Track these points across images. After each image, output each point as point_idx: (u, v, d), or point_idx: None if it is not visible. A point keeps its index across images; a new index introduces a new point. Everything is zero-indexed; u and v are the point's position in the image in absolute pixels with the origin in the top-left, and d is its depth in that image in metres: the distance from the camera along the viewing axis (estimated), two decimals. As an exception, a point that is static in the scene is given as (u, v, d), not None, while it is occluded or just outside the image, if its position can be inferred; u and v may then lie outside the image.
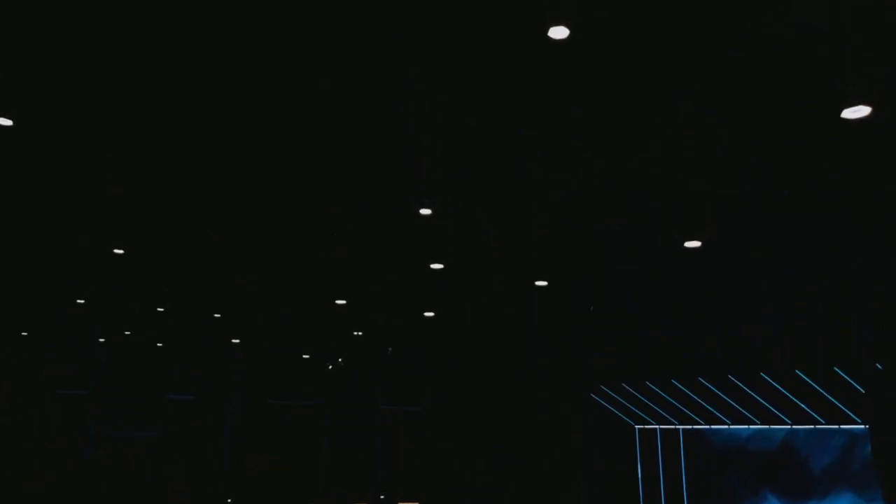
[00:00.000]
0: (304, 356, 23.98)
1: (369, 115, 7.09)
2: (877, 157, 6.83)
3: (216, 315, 18.24)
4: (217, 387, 22.31)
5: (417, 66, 5.40)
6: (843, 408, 15.73)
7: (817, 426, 16.75)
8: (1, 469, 19.13)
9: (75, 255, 12.70)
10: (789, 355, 15.05)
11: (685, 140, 6.40)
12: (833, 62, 5.37)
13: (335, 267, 12.98)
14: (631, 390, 19.22)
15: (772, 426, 17.64)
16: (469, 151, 7.35)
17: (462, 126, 6.87)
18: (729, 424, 18.48)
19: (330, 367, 24.88)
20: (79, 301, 16.64)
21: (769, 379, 16.16)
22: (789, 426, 17.30)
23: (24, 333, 19.96)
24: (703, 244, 10.61)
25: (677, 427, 19.66)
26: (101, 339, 21.50)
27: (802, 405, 16.35)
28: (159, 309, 17.63)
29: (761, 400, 16.90)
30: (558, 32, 4.63)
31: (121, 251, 12.21)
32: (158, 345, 22.32)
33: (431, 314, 17.12)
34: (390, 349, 22.57)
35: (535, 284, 13.73)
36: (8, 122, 6.95)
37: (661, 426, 19.99)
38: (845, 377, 14.88)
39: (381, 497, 21.75)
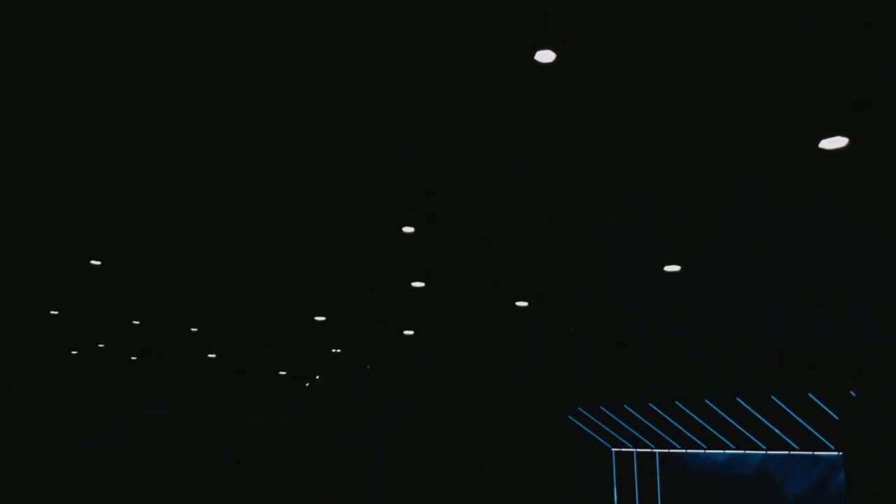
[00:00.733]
0: (281, 372, 23.76)
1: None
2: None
3: (192, 329, 18.03)
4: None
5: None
6: (817, 434, 15.85)
7: (791, 452, 16.85)
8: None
9: (52, 266, 12.52)
10: (765, 381, 15.18)
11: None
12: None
13: (316, 283, 12.90)
14: (609, 413, 19.24)
15: (747, 451, 17.72)
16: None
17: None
18: (705, 449, 18.54)
19: (307, 384, 24.66)
20: (52, 312, 16.37)
21: (745, 404, 16.26)
22: (764, 452, 17.39)
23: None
24: (682, 268, 10.71)
25: (653, 451, 19.69)
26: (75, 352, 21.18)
27: (777, 431, 16.46)
28: (135, 322, 17.40)
29: (737, 425, 17.00)
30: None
31: (98, 262, 12.05)
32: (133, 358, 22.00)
33: (411, 332, 17.06)
34: (369, 366, 22.43)
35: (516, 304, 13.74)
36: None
37: (638, 449, 20.01)
38: (820, 404, 15.01)
39: None
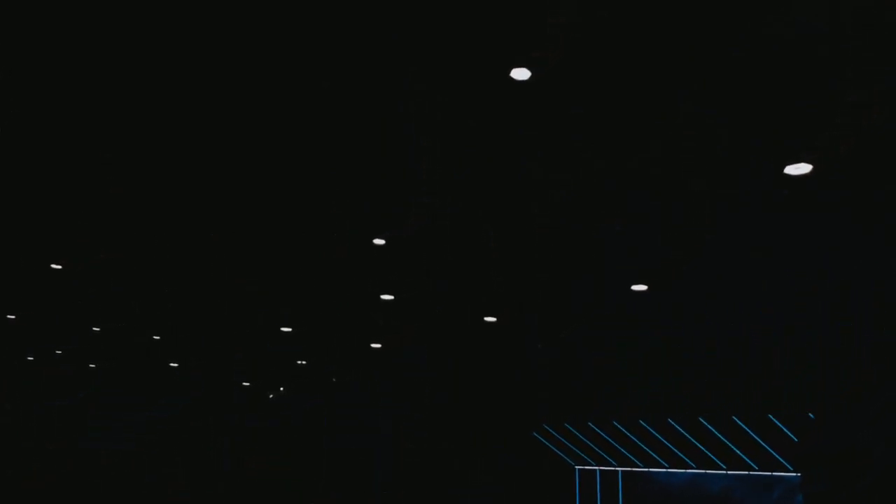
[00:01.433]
0: (245, 383, 23.42)
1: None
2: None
3: (155, 337, 17.73)
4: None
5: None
6: (776, 455, 16.10)
7: (751, 472, 17.08)
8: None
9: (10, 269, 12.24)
10: (727, 401, 15.39)
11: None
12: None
13: (286, 293, 12.79)
14: (573, 430, 19.31)
15: (708, 471, 17.91)
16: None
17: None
18: (667, 468, 18.69)
19: (271, 395, 24.36)
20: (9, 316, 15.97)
21: (707, 424, 16.46)
22: (724, 472, 17.59)
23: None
24: (649, 288, 10.85)
25: (616, 469, 19.79)
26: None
27: (738, 451, 16.67)
28: (94, 328, 17.05)
29: (698, 444, 17.19)
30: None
31: (59, 266, 11.81)
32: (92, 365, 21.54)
33: (378, 345, 16.98)
34: (335, 379, 22.24)
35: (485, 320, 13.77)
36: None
37: (601, 467, 20.10)
38: (779, 425, 15.26)
39: None
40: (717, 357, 14.49)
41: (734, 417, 15.79)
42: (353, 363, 19.56)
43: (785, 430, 15.25)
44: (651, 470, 19.02)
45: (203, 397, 21.81)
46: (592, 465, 20.17)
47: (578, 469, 20.47)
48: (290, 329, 15.88)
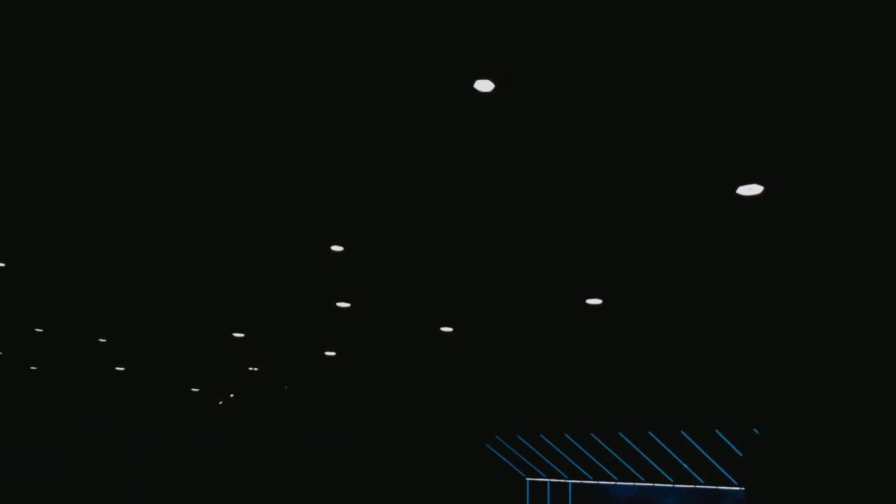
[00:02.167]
0: (193, 389, 22.94)
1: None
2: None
3: (101, 340, 17.23)
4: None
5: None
6: (721, 469, 16.44)
7: (698, 486, 17.40)
8: None
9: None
10: (676, 416, 15.68)
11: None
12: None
13: (235, 297, 12.58)
14: (525, 442, 19.41)
15: (656, 484, 18.18)
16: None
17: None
18: (616, 481, 18.91)
19: (220, 402, 23.89)
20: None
21: (656, 438, 16.73)
22: (672, 485, 17.88)
23: None
24: (603, 302, 11.00)
25: (567, 481, 19.94)
26: None
27: (685, 465, 16.97)
28: (38, 329, 16.49)
29: (647, 458, 17.45)
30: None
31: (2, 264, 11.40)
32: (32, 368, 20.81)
33: (332, 353, 16.82)
34: (286, 387, 21.96)
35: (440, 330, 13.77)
36: None
37: (552, 479, 20.23)
38: (725, 440, 15.60)
39: None
40: (668, 373, 14.77)
41: (682, 432, 16.08)
42: (306, 370, 19.36)
43: (731, 445, 15.59)
44: (600, 483, 19.22)
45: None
46: (543, 478, 20.30)
47: (529, 481, 20.57)
48: (242, 335, 15.64)
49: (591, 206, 7.60)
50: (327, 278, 10.91)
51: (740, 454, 15.47)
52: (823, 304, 10.30)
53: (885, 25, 4.65)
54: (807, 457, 12.85)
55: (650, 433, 16.65)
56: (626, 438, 17.26)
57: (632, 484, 18.62)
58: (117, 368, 20.56)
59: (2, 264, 11.52)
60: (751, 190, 7.05)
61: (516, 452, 19.92)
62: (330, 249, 9.56)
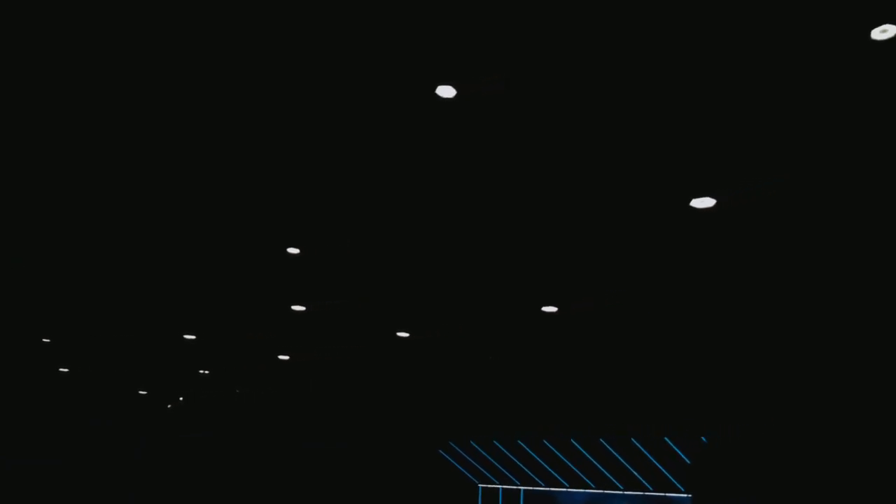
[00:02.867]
0: (141, 392, 22.40)
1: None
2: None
3: (45, 340, 16.70)
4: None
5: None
6: (670, 477, 16.74)
7: (646, 493, 17.66)
8: None
9: None
10: (626, 424, 15.91)
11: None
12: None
13: (188, 299, 12.34)
14: (478, 448, 19.45)
15: (606, 491, 18.40)
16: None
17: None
18: (567, 487, 19.08)
19: (169, 406, 23.38)
20: None
21: (607, 445, 16.95)
22: (622, 492, 18.11)
23: None
24: (558, 310, 11.12)
25: (519, 487, 20.03)
26: None
27: (635, 472, 17.22)
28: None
29: (598, 465, 17.65)
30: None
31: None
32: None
33: (286, 357, 16.62)
34: (238, 391, 21.60)
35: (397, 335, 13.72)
36: None
37: (504, 486, 20.30)
38: (675, 448, 15.89)
39: None
40: (619, 381, 14.97)
41: (633, 440, 16.32)
42: (261, 374, 19.08)
43: (679, 452, 15.89)
44: (552, 489, 19.37)
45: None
46: (495, 484, 20.35)
47: (482, 487, 20.60)
48: (193, 336, 15.33)
49: (548, 214, 7.68)
50: (283, 281, 10.79)
51: (688, 462, 15.77)
52: (770, 315, 10.58)
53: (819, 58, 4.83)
54: (752, 465, 13.17)
55: (601, 440, 16.87)
56: (577, 445, 17.45)
57: (583, 490, 18.80)
58: (61, 370, 19.96)
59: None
60: (704, 203, 7.22)
61: (469, 458, 19.93)
62: (286, 252, 9.47)
